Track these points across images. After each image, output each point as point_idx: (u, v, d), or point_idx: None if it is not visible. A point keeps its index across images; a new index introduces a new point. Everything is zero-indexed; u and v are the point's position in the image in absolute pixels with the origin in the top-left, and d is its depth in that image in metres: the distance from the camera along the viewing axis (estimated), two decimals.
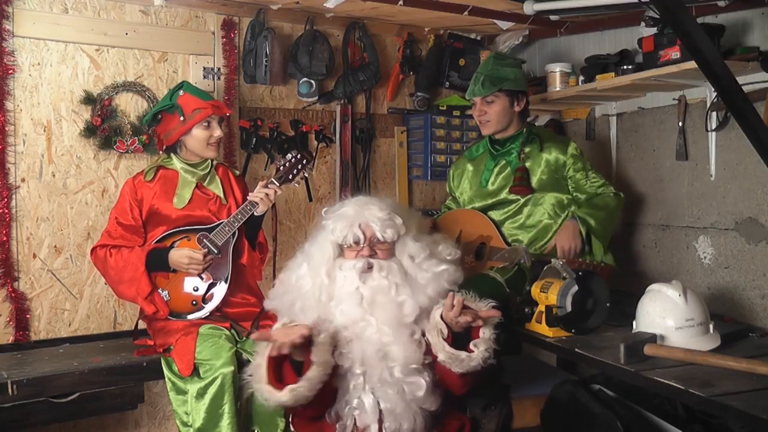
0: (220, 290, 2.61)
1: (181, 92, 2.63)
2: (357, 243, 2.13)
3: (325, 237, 2.19)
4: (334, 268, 2.15)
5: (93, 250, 2.63)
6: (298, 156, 2.67)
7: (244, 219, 2.57)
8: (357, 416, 2.09)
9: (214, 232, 2.56)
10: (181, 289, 2.58)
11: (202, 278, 2.58)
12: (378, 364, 2.05)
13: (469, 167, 3.07)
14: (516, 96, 2.86)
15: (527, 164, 2.86)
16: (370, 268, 2.11)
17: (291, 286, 2.21)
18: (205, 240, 2.56)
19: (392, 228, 2.15)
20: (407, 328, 2.09)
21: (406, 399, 2.06)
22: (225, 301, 2.63)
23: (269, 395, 2.01)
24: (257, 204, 2.57)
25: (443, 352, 2.04)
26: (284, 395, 1.98)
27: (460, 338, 2.07)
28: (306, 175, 2.73)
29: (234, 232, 2.59)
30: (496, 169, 2.95)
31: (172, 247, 2.57)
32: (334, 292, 2.12)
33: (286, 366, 2.05)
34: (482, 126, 2.93)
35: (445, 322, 2.06)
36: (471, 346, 2.06)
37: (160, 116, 2.67)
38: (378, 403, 2.07)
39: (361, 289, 2.09)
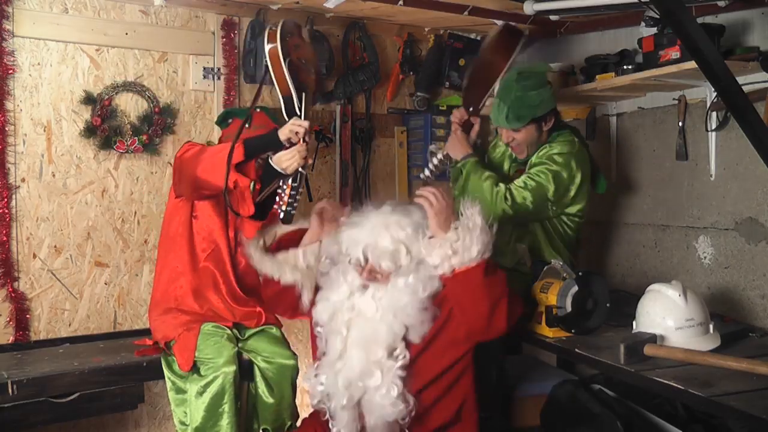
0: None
1: (258, 110, 2.70)
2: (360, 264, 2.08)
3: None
4: None
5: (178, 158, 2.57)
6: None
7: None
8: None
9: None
10: None
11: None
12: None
13: (498, 150, 3.04)
14: (543, 118, 2.74)
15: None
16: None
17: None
18: None
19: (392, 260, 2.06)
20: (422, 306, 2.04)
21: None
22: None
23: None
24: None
25: (450, 236, 2.00)
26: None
27: None
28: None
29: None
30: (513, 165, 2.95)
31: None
32: None
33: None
34: (513, 150, 2.83)
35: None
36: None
37: (230, 120, 2.77)
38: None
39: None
